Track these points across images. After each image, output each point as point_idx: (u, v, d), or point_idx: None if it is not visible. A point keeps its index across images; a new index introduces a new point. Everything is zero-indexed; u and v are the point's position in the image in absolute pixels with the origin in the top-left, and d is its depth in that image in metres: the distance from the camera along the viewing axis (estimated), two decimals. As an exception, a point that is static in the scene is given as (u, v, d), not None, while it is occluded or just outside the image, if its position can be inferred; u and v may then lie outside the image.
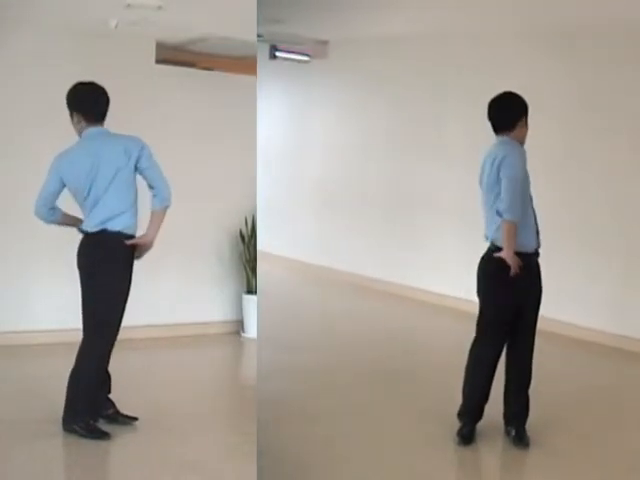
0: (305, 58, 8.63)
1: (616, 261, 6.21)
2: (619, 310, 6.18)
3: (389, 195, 8.16)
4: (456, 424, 4.14)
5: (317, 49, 8.51)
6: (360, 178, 8.48)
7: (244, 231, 6.91)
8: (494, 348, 4.07)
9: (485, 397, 4.11)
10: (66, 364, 4.14)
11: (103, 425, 4.20)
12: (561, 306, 6.37)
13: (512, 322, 4.03)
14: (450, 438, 4.09)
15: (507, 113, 4.01)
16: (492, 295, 4.05)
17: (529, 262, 3.98)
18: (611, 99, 6.18)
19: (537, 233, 4.04)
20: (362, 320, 6.89)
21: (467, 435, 4.09)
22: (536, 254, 4.06)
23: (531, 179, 4.01)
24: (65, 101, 4.20)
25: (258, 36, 7.01)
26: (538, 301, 4.11)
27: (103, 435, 4.09)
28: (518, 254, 3.91)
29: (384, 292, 7.88)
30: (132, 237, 4.13)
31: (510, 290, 3.96)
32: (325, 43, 8.40)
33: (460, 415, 4.17)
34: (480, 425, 4.17)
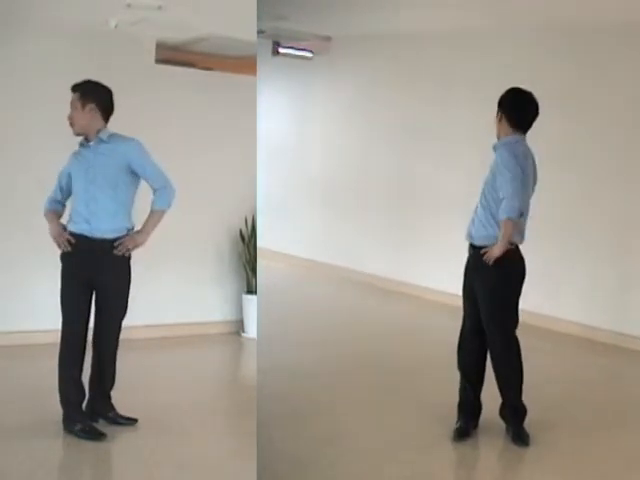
0: (308, 54, 8.61)
1: (616, 260, 6.21)
2: (619, 308, 6.18)
3: (391, 192, 8.16)
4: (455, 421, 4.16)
5: (320, 45, 8.49)
6: (362, 175, 8.48)
7: (244, 231, 6.91)
8: (469, 338, 4.17)
9: (469, 386, 4.16)
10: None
11: (103, 426, 4.20)
12: (560, 305, 6.38)
13: (472, 306, 4.13)
14: (450, 436, 4.09)
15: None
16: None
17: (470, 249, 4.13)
18: (611, 98, 6.19)
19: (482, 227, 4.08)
20: (362, 318, 6.88)
21: (462, 430, 4.11)
22: (478, 247, 4.06)
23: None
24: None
25: (260, 32, 7.01)
26: (487, 296, 4.05)
27: (100, 436, 4.09)
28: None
29: (385, 289, 7.88)
30: None
31: (465, 278, 4.21)
32: (328, 39, 8.39)
33: (458, 407, 4.21)
34: (480, 423, 4.19)
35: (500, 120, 4.13)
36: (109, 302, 4.25)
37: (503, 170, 3.96)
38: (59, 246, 4.19)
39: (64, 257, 4.20)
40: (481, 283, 4.07)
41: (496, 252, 3.95)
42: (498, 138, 4.16)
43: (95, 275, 4.17)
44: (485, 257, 3.98)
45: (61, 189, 4.34)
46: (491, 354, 4.11)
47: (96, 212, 4.12)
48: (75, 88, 4.22)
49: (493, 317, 4.05)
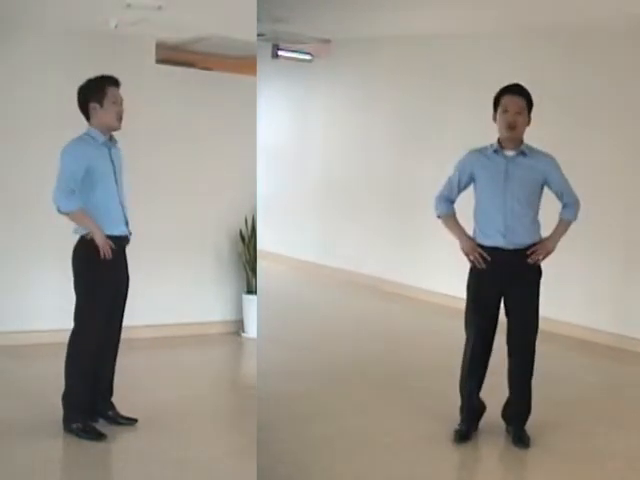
0: (307, 57, 8.62)
1: (616, 261, 6.21)
2: (619, 310, 6.18)
3: (390, 194, 8.16)
4: (456, 423, 4.15)
5: (319, 48, 8.50)
6: (361, 177, 8.48)
7: (244, 231, 6.91)
8: (474, 338, 4.09)
9: (475, 391, 4.13)
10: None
11: (103, 426, 4.20)
12: (561, 306, 6.37)
13: (491, 313, 4.03)
14: (450, 438, 4.09)
15: None
16: (470, 286, 4.13)
17: (493, 256, 3.98)
18: (612, 98, 6.19)
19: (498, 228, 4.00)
20: (362, 319, 6.88)
21: (463, 433, 4.09)
22: (497, 249, 3.99)
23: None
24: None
25: (260, 35, 7.01)
26: (518, 297, 4.01)
27: (99, 436, 4.08)
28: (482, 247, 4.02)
29: (385, 291, 7.88)
30: None
31: (478, 281, 4.05)
32: (327, 42, 8.39)
33: (460, 410, 4.19)
34: (481, 425, 4.18)
35: (529, 117, 3.93)
36: (121, 302, 4.29)
37: (563, 176, 4.03)
38: (107, 254, 4.03)
39: (105, 263, 4.05)
40: (525, 284, 3.98)
41: (551, 248, 4.01)
42: (513, 141, 3.93)
43: (124, 276, 4.28)
44: (535, 257, 3.95)
45: (76, 181, 4.01)
46: (519, 356, 4.05)
47: (125, 213, 4.26)
48: (115, 82, 4.27)
49: (533, 316, 4.04)
